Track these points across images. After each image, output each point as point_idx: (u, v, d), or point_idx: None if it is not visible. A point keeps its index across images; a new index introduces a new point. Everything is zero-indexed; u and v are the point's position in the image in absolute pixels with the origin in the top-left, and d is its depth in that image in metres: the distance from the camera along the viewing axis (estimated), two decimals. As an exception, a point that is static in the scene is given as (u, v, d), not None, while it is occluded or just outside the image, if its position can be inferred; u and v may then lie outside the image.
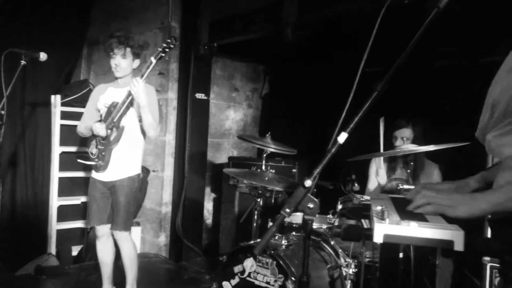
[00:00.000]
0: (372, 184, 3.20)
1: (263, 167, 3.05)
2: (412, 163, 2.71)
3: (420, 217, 1.05)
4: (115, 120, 3.00)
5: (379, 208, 1.06)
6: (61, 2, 4.73)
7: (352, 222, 1.55)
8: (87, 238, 4.13)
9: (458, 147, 2.30)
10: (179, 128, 4.45)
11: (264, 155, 3.05)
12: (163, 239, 4.52)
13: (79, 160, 3.21)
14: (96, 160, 3.08)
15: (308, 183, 1.19)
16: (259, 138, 3.27)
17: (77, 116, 4.38)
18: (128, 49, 3.06)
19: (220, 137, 5.05)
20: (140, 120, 3.08)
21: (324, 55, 4.40)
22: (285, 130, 4.87)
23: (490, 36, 3.17)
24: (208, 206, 4.91)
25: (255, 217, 3.10)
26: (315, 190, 3.09)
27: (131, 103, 3.01)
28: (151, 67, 2.91)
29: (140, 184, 3.27)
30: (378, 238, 0.94)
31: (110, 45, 3.03)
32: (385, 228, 0.94)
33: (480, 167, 2.74)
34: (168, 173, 4.48)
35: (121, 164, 3.07)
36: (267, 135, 3.08)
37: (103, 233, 3.14)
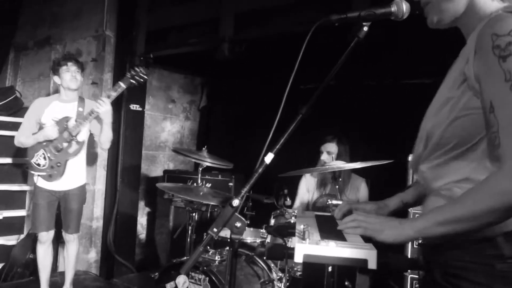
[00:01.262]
0: (299, 200, 3.29)
1: (199, 181, 3.05)
2: (340, 179, 2.83)
3: (339, 236, 1.10)
4: (74, 134, 3.25)
5: (301, 227, 1.10)
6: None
7: (279, 240, 1.59)
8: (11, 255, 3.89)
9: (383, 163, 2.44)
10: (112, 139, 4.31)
11: (200, 169, 3.05)
12: (93, 255, 4.33)
13: (32, 172, 3.34)
14: (48, 170, 3.26)
15: (235, 202, 1.20)
16: (195, 151, 3.26)
17: (2, 126, 4.13)
18: (79, 65, 3.40)
19: (156, 149, 4.96)
20: (92, 134, 3.43)
21: (261, 70, 4.49)
22: (223, 143, 4.90)
23: (410, 60, 3.41)
24: (142, 220, 4.79)
25: (190, 232, 3.07)
26: (250, 203, 3.13)
27: (92, 119, 3.28)
28: (119, 91, 3.26)
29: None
30: (298, 258, 0.98)
31: (65, 59, 3.36)
32: (305, 248, 0.98)
33: (401, 181, 2.94)
34: (100, 186, 4.31)
35: (72, 174, 3.34)
36: (204, 148, 3.08)
37: (47, 239, 3.37)
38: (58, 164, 3.26)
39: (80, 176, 3.42)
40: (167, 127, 5.10)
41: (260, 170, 1.23)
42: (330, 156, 3.08)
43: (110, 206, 4.29)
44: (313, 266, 1.10)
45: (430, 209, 1.13)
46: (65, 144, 3.25)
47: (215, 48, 3.37)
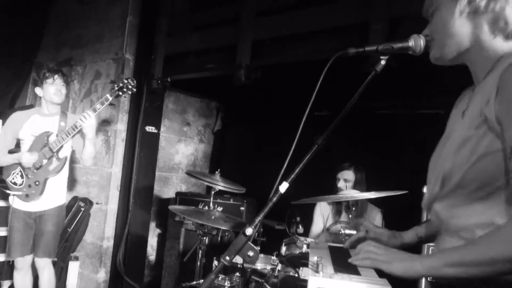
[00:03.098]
0: (316, 227, 3.26)
1: (211, 205, 3.05)
2: (353, 209, 2.81)
3: (353, 270, 1.09)
4: (54, 150, 3.03)
5: (315, 259, 1.09)
6: (10, 26, 4.61)
7: (290, 270, 1.58)
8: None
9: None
10: (126, 160, 4.35)
11: (213, 192, 3.05)
12: (102, 275, 4.32)
13: (7, 191, 3.11)
14: (25, 189, 3.03)
15: (249, 231, 1.20)
16: (208, 175, 3.27)
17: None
18: (65, 78, 3.20)
19: (169, 171, 4.99)
20: (74, 151, 3.22)
21: (276, 95, 4.53)
22: (236, 166, 4.90)
23: (424, 90, 3.41)
24: (152, 241, 4.78)
25: (200, 256, 3.06)
26: (261, 229, 3.11)
27: (75, 135, 3.06)
28: (106, 103, 3.04)
29: (65, 213, 3.35)
30: (311, 291, 0.97)
31: (50, 71, 3.15)
32: (318, 281, 0.97)
33: (416, 212, 2.89)
34: (112, 206, 4.33)
35: (51, 194, 3.10)
36: (217, 172, 3.09)
37: (24, 265, 3.09)
38: (37, 183, 3.03)
39: (59, 195, 3.18)
40: (181, 149, 5.14)
41: (274, 199, 1.23)
42: (347, 184, 3.07)
43: (121, 226, 4.30)
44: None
45: (442, 249, 1.10)
46: (44, 161, 3.03)
47: (232, 73, 3.41)
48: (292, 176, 1.24)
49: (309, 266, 1.09)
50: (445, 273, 1.00)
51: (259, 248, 2.94)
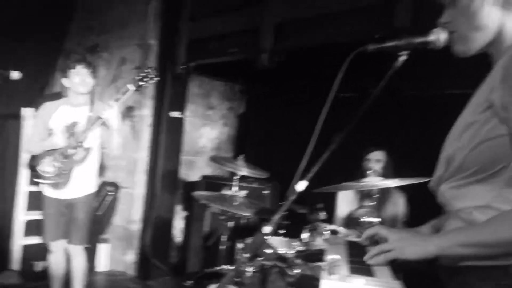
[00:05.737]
0: (341, 212, 3.25)
1: (236, 189, 3.07)
2: (377, 195, 2.78)
3: (368, 270, 1.09)
4: (80, 140, 3.03)
5: (330, 258, 1.09)
6: (38, 16, 4.69)
7: (307, 268, 1.60)
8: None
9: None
10: (152, 145, 4.43)
11: (235, 178, 3.08)
12: (131, 257, 4.46)
13: (37, 180, 3.16)
14: (55, 178, 3.07)
15: (267, 229, 1.22)
16: (231, 160, 3.29)
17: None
18: (90, 67, 3.15)
19: (194, 154, 5.05)
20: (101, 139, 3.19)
21: (300, 78, 4.47)
22: (260, 150, 4.92)
23: (453, 69, 3.29)
24: (178, 224, 4.89)
25: (224, 240, 3.11)
26: (285, 212, 3.12)
27: (99, 125, 3.05)
28: (127, 94, 3.00)
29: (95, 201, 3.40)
30: (324, 295, 0.98)
31: (74, 62, 3.14)
32: (331, 285, 0.98)
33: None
34: (139, 190, 4.44)
35: (80, 182, 3.14)
36: (240, 157, 3.11)
37: (57, 249, 3.20)
38: (64, 172, 3.08)
39: (88, 184, 3.22)
40: (206, 133, 5.18)
41: (291, 198, 1.24)
42: (379, 164, 3.03)
43: (148, 210, 4.41)
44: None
45: (454, 228, 1.13)
46: (72, 151, 3.07)
47: (255, 57, 3.39)
48: (310, 175, 1.24)
49: (324, 265, 1.10)
50: (457, 252, 1.05)
51: (284, 231, 2.98)
